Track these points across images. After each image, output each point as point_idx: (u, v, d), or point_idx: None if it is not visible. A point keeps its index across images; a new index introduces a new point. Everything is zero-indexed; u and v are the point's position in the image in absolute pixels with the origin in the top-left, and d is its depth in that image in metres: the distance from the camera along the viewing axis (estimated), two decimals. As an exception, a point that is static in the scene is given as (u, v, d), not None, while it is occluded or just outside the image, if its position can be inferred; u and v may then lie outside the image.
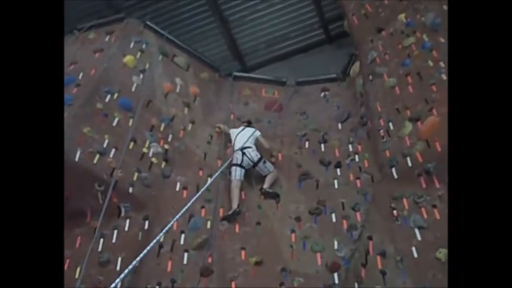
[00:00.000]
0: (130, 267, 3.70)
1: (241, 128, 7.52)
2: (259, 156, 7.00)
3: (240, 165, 6.92)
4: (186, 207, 4.60)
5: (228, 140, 7.70)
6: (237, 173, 6.87)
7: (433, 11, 7.16)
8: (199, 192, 5.31)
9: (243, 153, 6.96)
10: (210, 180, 6.09)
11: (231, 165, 6.98)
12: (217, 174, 6.14)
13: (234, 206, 6.49)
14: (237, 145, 7.12)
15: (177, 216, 4.52)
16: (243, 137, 7.22)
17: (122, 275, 3.59)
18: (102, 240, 5.98)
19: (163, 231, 4.41)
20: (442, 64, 6.49)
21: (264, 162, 7.01)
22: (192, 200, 4.86)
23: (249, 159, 6.94)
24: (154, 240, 4.17)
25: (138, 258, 3.87)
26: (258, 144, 7.25)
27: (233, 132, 7.52)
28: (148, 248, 4.06)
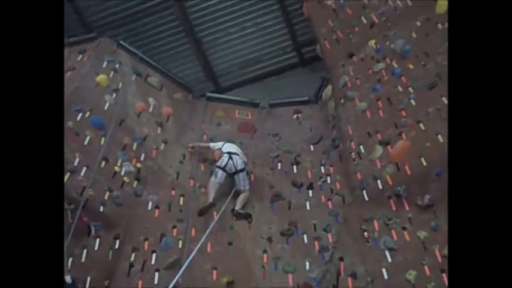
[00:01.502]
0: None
1: (224, 142, 7.63)
2: (243, 166, 7.10)
3: (223, 169, 7.00)
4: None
5: (201, 158, 7.76)
6: (218, 175, 6.97)
7: (402, 38, 7.37)
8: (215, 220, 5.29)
9: (230, 158, 7.06)
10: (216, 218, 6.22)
11: (215, 166, 7.10)
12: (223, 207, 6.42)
13: (210, 199, 6.58)
14: (226, 150, 7.26)
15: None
16: (231, 145, 7.44)
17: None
18: (71, 259, 5.84)
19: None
20: (411, 90, 6.68)
21: (246, 175, 7.12)
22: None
23: (234, 164, 7.03)
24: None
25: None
26: None
27: (215, 144, 7.63)
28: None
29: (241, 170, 7.07)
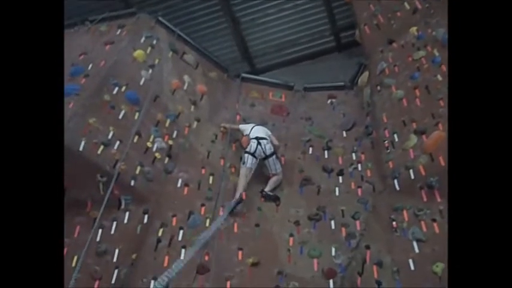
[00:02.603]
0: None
1: (253, 125, 7.56)
2: (272, 150, 7.04)
3: (253, 154, 6.96)
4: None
5: (232, 139, 7.74)
6: (249, 161, 6.92)
7: (445, 27, 7.17)
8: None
9: (258, 143, 7.00)
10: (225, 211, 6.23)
11: (244, 152, 7.06)
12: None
13: (237, 194, 6.55)
14: (254, 134, 7.18)
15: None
16: (259, 129, 7.32)
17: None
18: (101, 230, 5.97)
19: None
20: (451, 79, 6.50)
21: (276, 158, 7.06)
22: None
23: (263, 150, 6.97)
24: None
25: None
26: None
27: (245, 126, 7.59)
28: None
29: (271, 155, 7.02)
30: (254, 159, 6.96)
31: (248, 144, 7.09)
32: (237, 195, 6.52)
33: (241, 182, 6.71)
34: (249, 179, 6.86)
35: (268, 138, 7.18)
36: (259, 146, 6.99)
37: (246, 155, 6.99)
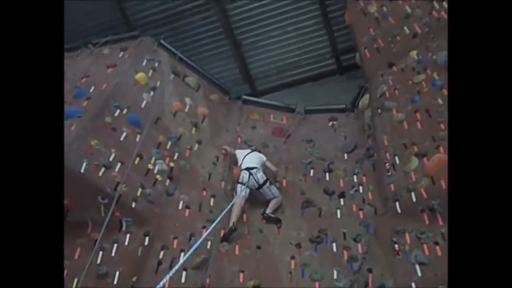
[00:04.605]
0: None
1: (249, 150, 7.55)
2: (264, 178, 7.01)
3: (245, 185, 6.94)
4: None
5: (233, 161, 7.73)
6: (242, 191, 6.89)
7: (445, 50, 7.23)
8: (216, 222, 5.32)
9: (250, 174, 6.97)
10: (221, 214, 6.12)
11: (237, 183, 7.03)
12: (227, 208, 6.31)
13: (231, 223, 6.50)
14: (245, 165, 7.14)
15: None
16: (251, 158, 7.26)
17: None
18: (101, 253, 5.96)
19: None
20: (452, 103, 6.54)
21: (270, 185, 7.02)
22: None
23: (255, 180, 6.94)
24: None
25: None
26: (264, 169, 7.25)
27: (239, 153, 7.55)
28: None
29: (264, 183, 6.98)
30: (247, 189, 6.95)
31: (240, 175, 7.08)
32: (231, 224, 6.50)
33: (235, 211, 6.65)
34: (242, 207, 6.82)
35: (258, 166, 7.13)
36: (251, 177, 6.97)
37: (239, 185, 6.98)
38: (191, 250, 4.62)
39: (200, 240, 4.87)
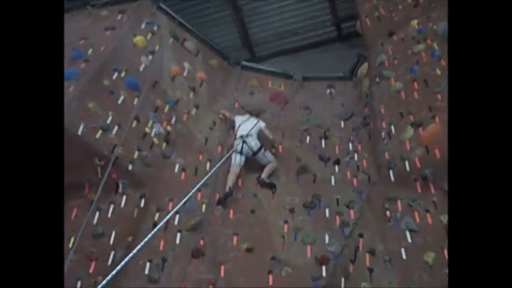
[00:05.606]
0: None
1: (247, 116, 7.56)
2: (259, 145, 7.05)
3: (240, 153, 6.98)
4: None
5: (231, 126, 7.74)
6: (237, 159, 6.94)
7: (446, 21, 7.19)
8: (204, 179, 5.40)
9: (243, 142, 7.01)
10: (212, 170, 6.20)
11: (232, 151, 7.06)
12: (219, 163, 6.34)
13: (227, 187, 6.59)
14: (239, 133, 7.17)
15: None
16: (246, 125, 7.27)
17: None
18: (97, 213, 6.06)
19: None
20: (450, 73, 6.55)
21: (264, 151, 7.06)
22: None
23: (249, 147, 6.98)
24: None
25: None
26: (261, 135, 7.29)
27: (238, 119, 7.55)
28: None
29: (259, 150, 7.02)
30: (243, 156, 7.00)
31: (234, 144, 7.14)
32: (227, 188, 6.58)
33: (231, 178, 6.75)
34: (237, 174, 6.88)
35: (253, 133, 7.14)
36: (244, 145, 7.00)
37: (234, 154, 7.02)
38: (178, 206, 4.74)
39: (187, 197, 4.95)
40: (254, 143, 7.03)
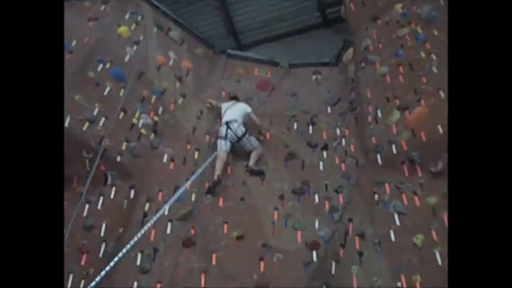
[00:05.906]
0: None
1: (232, 102, 7.57)
2: (243, 130, 7.05)
3: (225, 138, 6.98)
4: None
5: (217, 115, 7.74)
6: (223, 146, 6.94)
7: (430, 4, 7.23)
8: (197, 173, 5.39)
9: (228, 127, 7.02)
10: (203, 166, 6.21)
11: (217, 137, 7.07)
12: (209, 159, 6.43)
13: (215, 176, 6.60)
14: (225, 119, 7.17)
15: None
16: (232, 111, 7.27)
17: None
18: (87, 205, 6.06)
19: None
20: (433, 57, 6.59)
21: (249, 136, 7.07)
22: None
23: (233, 133, 6.98)
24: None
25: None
26: (248, 121, 7.31)
27: (223, 105, 7.56)
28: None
29: (243, 135, 7.02)
30: (228, 142, 6.99)
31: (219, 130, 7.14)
32: (215, 177, 6.59)
33: (218, 165, 6.74)
34: (225, 160, 6.88)
35: (238, 119, 7.14)
36: (229, 130, 6.99)
37: (219, 140, 7.01)
38: (172, 200, 4.75)
39: (179, 192, 4.97)
40: (239, 128, 7.03)
